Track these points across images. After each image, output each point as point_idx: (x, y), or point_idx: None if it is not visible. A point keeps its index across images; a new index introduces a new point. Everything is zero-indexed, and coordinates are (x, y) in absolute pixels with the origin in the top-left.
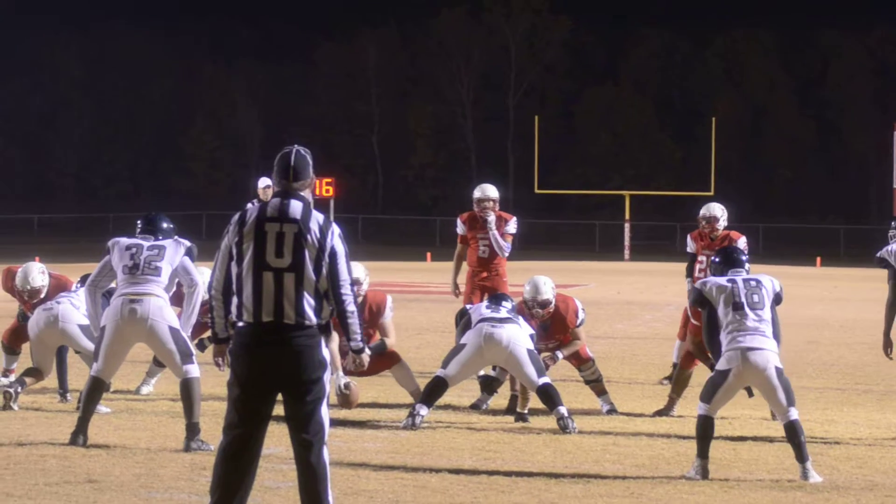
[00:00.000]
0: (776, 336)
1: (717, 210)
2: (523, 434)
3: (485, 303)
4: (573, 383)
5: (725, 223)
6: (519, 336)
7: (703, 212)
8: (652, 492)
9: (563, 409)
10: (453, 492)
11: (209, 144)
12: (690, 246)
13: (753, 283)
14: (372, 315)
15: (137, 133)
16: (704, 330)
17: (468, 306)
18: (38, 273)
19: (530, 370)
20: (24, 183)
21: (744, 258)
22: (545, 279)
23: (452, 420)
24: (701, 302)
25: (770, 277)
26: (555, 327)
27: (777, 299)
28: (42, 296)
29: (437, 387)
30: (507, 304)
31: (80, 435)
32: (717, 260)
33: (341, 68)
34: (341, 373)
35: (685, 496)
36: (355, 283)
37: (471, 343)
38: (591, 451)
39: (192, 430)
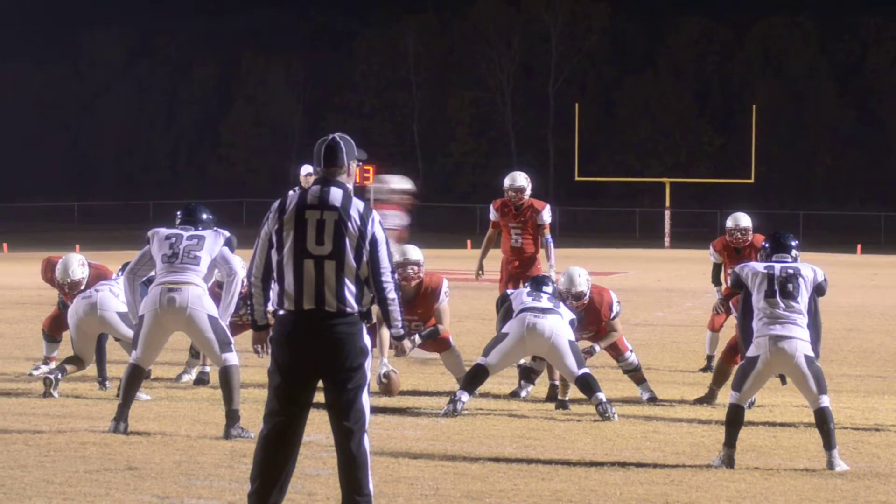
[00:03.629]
0: (814, 327)
1: (747, 221)
2: (563, 421)
3: (526, 289)
4: (612, 371)
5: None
6: (561, 327)
7: (731, 223)
8: (692, 479)
9: (601, 396)
10: (493, 479)
11: (248, 132)
12: (714, 256)
13: (791, 271)
14: (427, 298)
15: (177, 120)
16: (739, 313)
17: (509, 292)
18: (77, 265)
19: (570, 361)
20: (64, 170)
21: (792, 244)
22: (580, 271)
23: (493, 407)
24: (738, 285)
25: (813, 268)
26: (589, 318)
27: (819, 290)
28: (82, 288)
29: (478, 374)
30: (549, 290)
31: (120, 422)
32: (765, 244)
33: (381, 56)
34: (385, 360)
35: (725, 483)
36: (415, 263)
37: (513, 333)
38: (631, 439)
39: (233, 417)
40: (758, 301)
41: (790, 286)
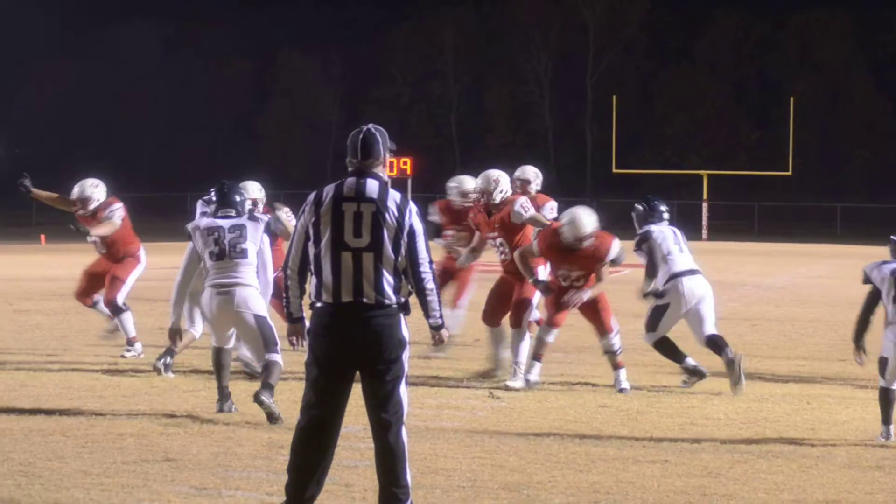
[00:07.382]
0: None
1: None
2: (601, 413)
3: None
4: (647, 355)
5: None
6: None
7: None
8: (730, 471)
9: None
10: (531, 471)
11: (285, 126)
12: (438, 217)
13: None
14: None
15: (213, 114)
16: (862, 307)
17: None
18: (90, 186)
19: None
20: (100, 162)
21: None
22: (587, 211)
23: (530, 399)
24: (868, 280)
25: None
26: (583, 256)
27: None
28: (90, 206)
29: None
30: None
31: (224, 402)
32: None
33: (418, 48)
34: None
35: (763, 476)
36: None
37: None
38: (669, 431)
39: (268, 388)
40: (887, 304)
41: None
